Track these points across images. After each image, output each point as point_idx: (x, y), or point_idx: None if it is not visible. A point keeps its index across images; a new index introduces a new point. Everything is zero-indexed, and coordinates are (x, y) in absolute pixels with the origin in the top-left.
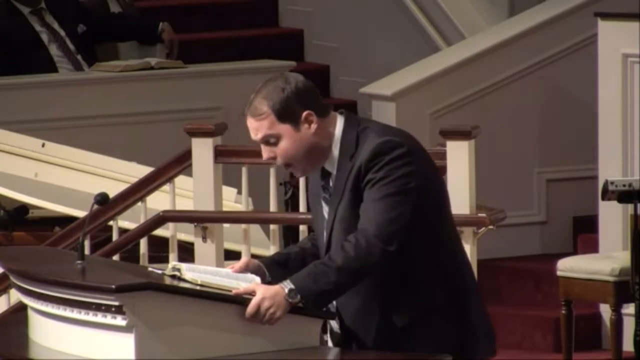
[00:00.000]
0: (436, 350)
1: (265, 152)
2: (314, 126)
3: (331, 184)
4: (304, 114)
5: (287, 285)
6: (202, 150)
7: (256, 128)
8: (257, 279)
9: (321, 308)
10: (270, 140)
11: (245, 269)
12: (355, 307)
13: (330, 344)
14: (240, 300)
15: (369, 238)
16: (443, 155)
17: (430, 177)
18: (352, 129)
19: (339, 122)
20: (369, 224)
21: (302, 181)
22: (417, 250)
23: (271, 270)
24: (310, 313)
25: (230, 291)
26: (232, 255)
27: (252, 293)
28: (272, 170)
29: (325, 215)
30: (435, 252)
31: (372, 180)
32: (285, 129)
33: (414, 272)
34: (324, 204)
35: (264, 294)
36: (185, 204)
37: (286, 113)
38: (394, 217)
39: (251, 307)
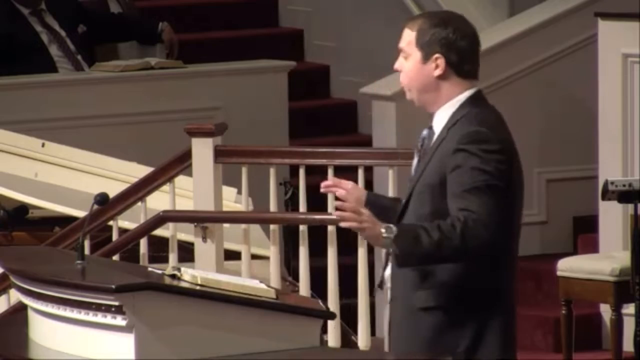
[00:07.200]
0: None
1: (398, 62)
2: (438, 71)
3: (432, 140)
4: (436, 55)
5: (389, 225)
6: (202, 150)
7: (402, 36)
8: (262, 286)
9: (407, 266)
10: (402, 54)
11: (351, 196)
12: (402, 275)
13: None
14: (239, 301)
15: (477, 225)
16: None
17: (516, 179)
18: (471, 104)
19: (469, 92)
20: (477, 210)
21: (302, 181)
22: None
23: (374, 205)
24: (310, 313)
25: (231, 290)
26: (232, 255)
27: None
28: (272, 170)
29: (412, 171)
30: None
31: (459, 167)
32: (416, 54)
33: (469, 266)
34: (415, 154)
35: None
36: (185, 204)
37: (425, 45)
38: (500, 213)
39: (353, 214)
